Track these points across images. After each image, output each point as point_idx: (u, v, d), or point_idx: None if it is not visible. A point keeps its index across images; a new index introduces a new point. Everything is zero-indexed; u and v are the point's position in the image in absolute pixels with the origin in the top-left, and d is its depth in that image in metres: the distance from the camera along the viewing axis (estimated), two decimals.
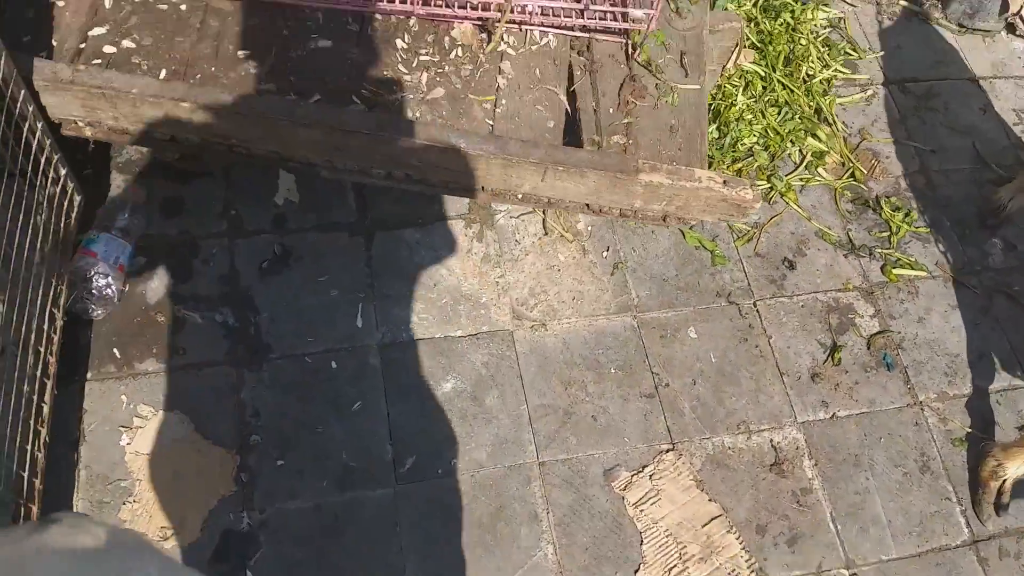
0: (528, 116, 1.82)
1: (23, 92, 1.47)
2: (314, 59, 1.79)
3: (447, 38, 1.87)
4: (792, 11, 2.63)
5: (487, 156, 1.64)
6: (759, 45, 2.56)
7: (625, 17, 1.82)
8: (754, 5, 2.62)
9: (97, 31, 1.73)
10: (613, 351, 2.07)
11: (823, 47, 2.65)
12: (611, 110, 1.88)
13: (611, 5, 1.82)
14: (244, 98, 1.60)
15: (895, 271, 2.34)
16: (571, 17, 1.85)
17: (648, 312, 2.15)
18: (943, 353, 2.24)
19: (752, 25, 2.58)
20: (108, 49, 1.72)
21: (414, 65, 1.83)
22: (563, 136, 1.83)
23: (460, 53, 1.86)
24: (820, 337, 2.20)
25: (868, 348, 2.20)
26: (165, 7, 1.78)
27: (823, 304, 2.26)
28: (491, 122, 1.80)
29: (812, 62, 2.59)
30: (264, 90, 1.73)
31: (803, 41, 2.58)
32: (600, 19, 1.82)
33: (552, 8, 1.82)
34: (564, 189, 1.74)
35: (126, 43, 1.73)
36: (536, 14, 1.82)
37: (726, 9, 2.55)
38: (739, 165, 2.42)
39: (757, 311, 2.22)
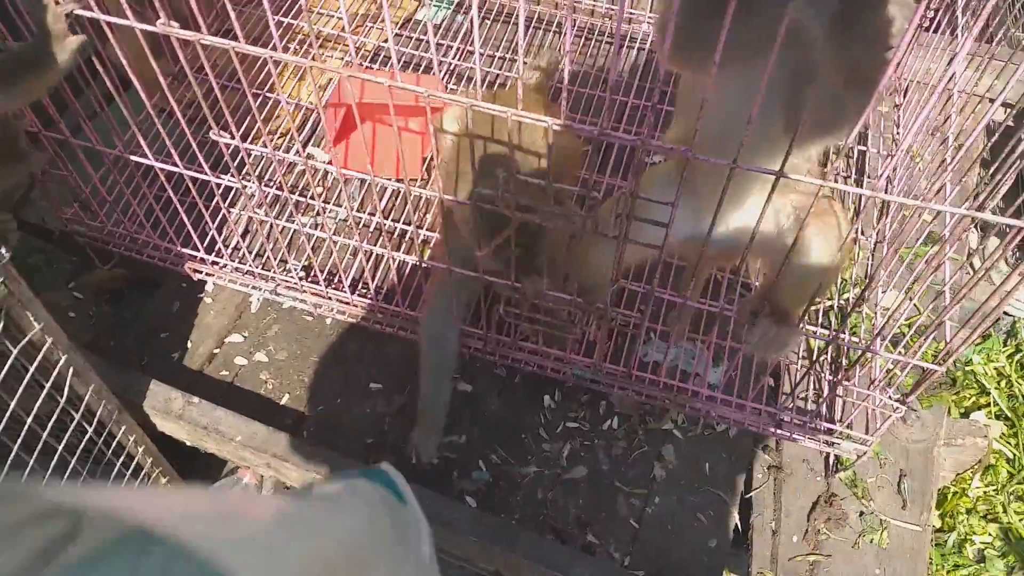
0: (683, 527, 1.45)
1: (114, 413, 1.30)
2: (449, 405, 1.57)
3: (604, 403, 1.58)
4: None
5: None
6: (1009, 415, 2.02)
7: (830, 444, 1.42)
8: (1008, 358, 2.11)
9: (235, 338, 1.63)
10: None
11: None
12: (795, 538, 1.46)
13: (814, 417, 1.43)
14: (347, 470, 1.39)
15: None
16: (758, 417, 1.48)
17: None
18: None
19: (1002, 385, 2.07)
20: (239, 360, 1.60)
21: (558, 431, 1.55)
22: (724, 560, 1.44)
23: (615, 424, 1.56)
24: None
25: None
26: (309, 319, 1.65)
27: None
28: (636, 524, 1.45)
29: None
30: (380, 444, 1.52)
31: None
32: (795, 431, 1.44)
33: (734, 418, 1.47)
34: None
35: (259, 356, 1.61)
36: (716, 404, 1.48)
37: (968, 364, 2.07)
38: (964, 574, 1.87)
39: None
